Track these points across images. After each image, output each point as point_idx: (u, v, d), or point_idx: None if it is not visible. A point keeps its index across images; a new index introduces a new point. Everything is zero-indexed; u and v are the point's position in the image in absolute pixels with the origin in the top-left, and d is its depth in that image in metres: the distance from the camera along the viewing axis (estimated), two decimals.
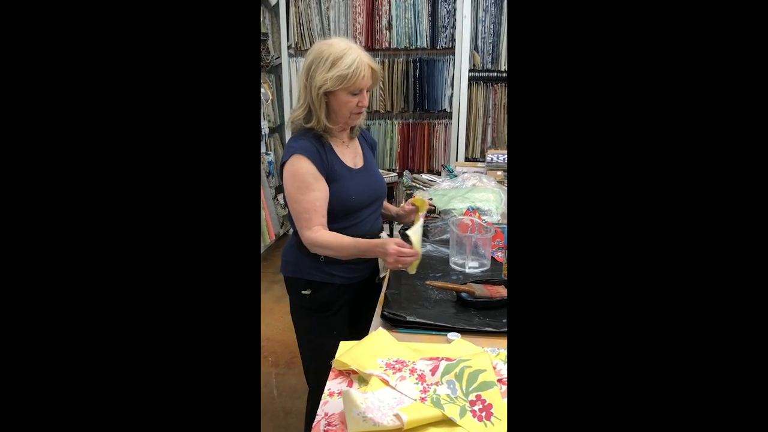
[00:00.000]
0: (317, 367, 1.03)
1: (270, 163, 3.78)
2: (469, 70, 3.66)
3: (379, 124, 3.94)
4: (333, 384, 0.96)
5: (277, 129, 4.05)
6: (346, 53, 1.28)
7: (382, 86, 3.82)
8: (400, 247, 1.24)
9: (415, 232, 1.31)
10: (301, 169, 1.30)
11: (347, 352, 1.00)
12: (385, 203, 1.66)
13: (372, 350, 1.00)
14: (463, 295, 1.28)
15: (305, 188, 1.30)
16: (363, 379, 0.95)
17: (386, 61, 3.77)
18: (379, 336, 1.06)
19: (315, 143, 1.34)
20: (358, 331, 1.33)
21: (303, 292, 1.40)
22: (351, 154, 1.43)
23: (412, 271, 1.30)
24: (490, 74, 3.73)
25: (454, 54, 3.68)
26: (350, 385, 0.95)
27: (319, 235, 1.31)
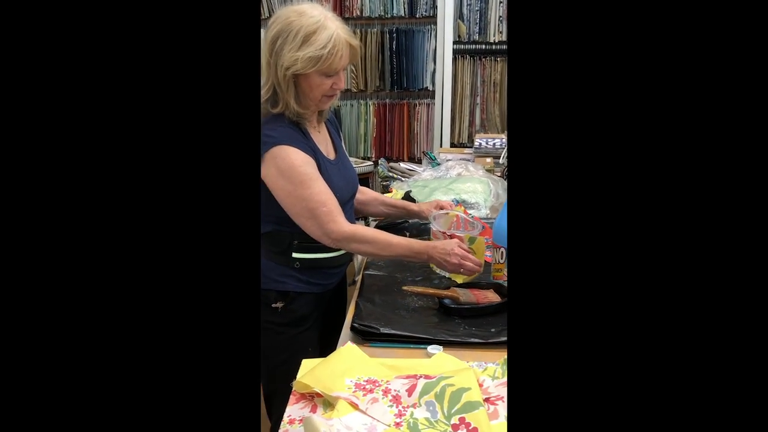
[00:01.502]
0: (288, 393, 1.02)
1: None
2: (454, 42, 3.67)
3: (351, 105, 3.93)
4: (293, 410, 0.95)
5: None
6: (321, 26, 1.22)
7: None
8: (466, 251, 1.29)
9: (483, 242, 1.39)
10: (295, 161, 1.26)
11: (310, 372, 0.99)
12: (404, 201, 1.66)
13: (339, 369, 0.99)
14: (446, 301, 1.27)
15: (308, 180, 1.27)
16: (328, 403, 0.94)
17: (358, 32, 3.75)
18: (347, 352, 1.05)
19: (296, 130, 1.30)
20: (326, 346, 1.32)
21: (273, 305, 1.36)
22: (324, 143, 1.41)
23: (461, 280, 1.37)
24: (478, 47, 3.74)
25: (435, 23, 3.68)
26: (314, 410, 0.95)
27: (356, 227, 1.30)
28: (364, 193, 1.62)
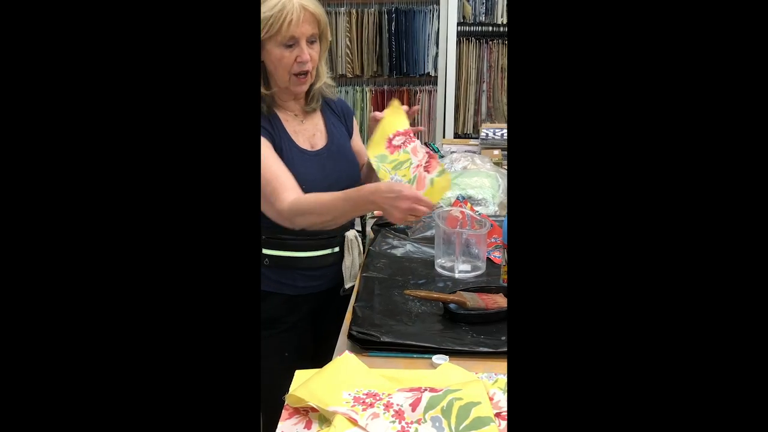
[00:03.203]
0: (263, 400, 1.02)
1: None
2: (458, 24, 3.67)
3: (346, 92, 3.92)
4: (286, 426, 0.95)
5: None
6: None
7: (349, 44, 3.80)
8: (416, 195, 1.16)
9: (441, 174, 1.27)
10: None
11: (304, 385, 0.99)
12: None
13: (336, 381, 1.00)
14: (452, 306, 1.27)
15: None
16: (324, 419, 0.95)
17: (354, 11, 3.75)
18: (345, 362, 1.05)
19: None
20: (320, 356, 1.32)
21: None
22: (307, 132, 1.42)
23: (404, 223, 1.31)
24: (484, 29, 3.74)
25: (438, 3, 3.68)
26: (308, 426, 0.95)
27: (296, 199, 1.26)
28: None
